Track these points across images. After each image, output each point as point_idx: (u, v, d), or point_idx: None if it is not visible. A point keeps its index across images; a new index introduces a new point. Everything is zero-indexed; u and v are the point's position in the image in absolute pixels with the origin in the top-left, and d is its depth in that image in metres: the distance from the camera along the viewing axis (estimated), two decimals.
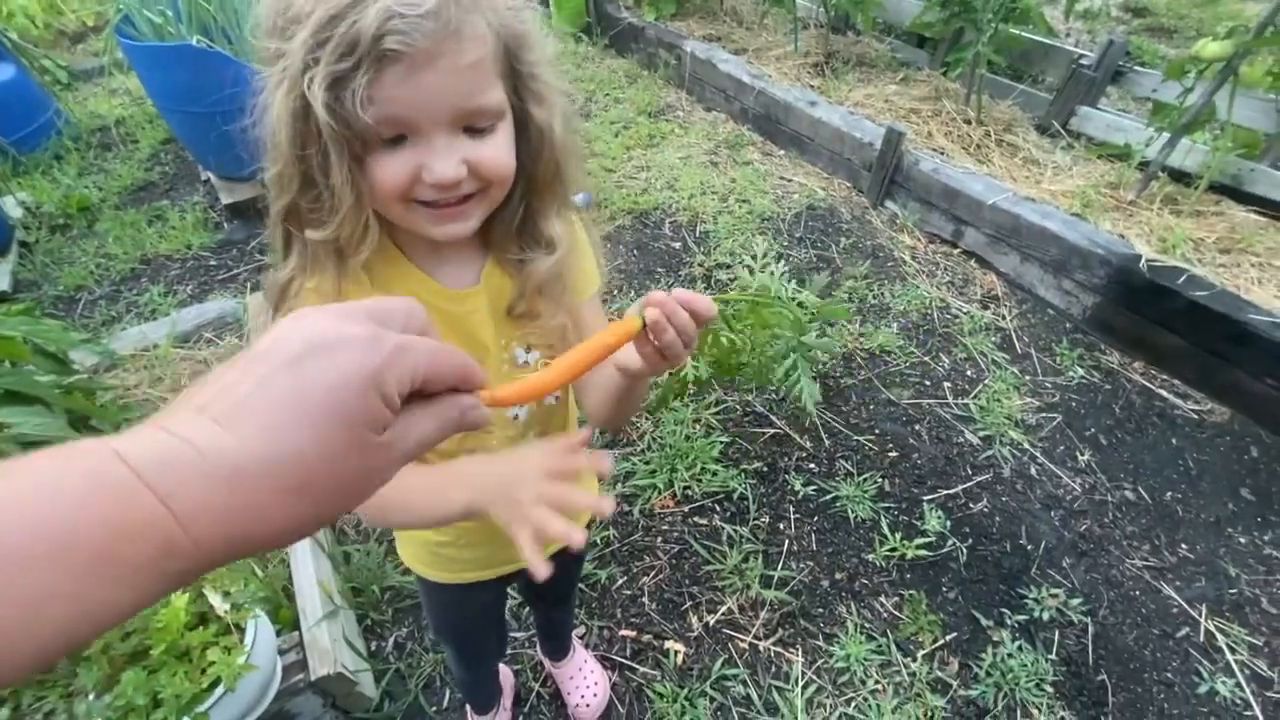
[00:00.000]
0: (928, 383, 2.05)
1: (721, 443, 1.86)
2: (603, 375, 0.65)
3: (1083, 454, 1.83)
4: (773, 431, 1.90)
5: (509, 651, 1.46)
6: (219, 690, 1.00)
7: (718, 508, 1.75)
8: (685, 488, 1.78)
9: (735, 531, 1.69)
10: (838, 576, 1.60)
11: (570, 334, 0.68)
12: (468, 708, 1.34)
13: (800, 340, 1.50)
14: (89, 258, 2.60)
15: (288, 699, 1.22)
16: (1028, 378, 2.04)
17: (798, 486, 1.77)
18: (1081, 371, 2.04)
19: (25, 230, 2.73)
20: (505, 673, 1.41)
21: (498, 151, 0.53)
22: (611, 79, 3.75)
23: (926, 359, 2.11)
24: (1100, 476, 1.78)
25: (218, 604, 1.09)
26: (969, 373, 2.07)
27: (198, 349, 1.92)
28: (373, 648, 1.49)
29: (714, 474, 1.79)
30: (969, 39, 2.54)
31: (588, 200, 2.79)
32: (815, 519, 1.72)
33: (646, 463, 1.82)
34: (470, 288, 0.65)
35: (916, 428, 1.92)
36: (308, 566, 1.41)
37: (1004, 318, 2.24)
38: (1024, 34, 2.52)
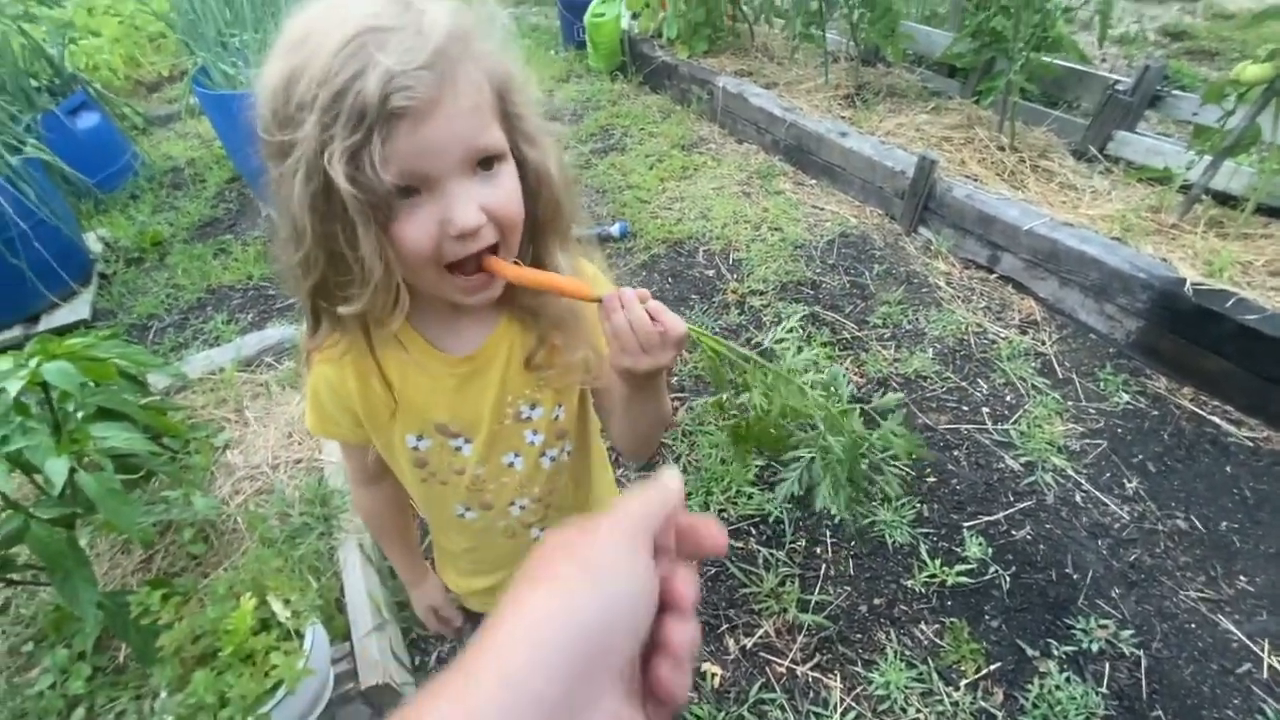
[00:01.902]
0: (965, 408, 2.03)
1: (757, 466, 1.88)
2: (619, 386, 0.67)
3: (1130, 481, 1.79)
4: (809, 455, 1.91)
5: None
6: (280, 692, 1.05)
7: (754, 531, 1.76)
8: (720, 510, 1.80)
9: (771, 555, 1.69)
10: (876, 602, 1.59)
11: (593, 362, 0.69)
12: None
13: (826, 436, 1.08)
14: (160, 288, 2.79)
15: (338, 707, 1.27)
16: (1070, 403, 2.01)
17: (834, 511, 1.77)
18: (1127, 397, 2.00)
19: (104, 263, 2.94)
20: None
21: (509, 194, 0.56)
22: (646, 114, 3.88)
23: (964, 384, 2.10)
24: (1150, 505, 1.73)
25: (280, 610, 1.15)
26: (1008, 398, 2.05)
27: (259, 373, 2.04)
28: (416, 662, 1.53)
29: (749, 497, 1.81)
30: (1000, 68, 2.57)
31: (624, 230, 2.88)
32: (852, 544, 1.71)
33: (684, 485, 1.85)
34: (477, 351, 0.67)
35: (955, 453, 1.90)
36: (358, 579, 1.48)
37: (1044, 343, 2.21)
38: (1056, 61, 2.53)
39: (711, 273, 2.65)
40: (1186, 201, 2.18)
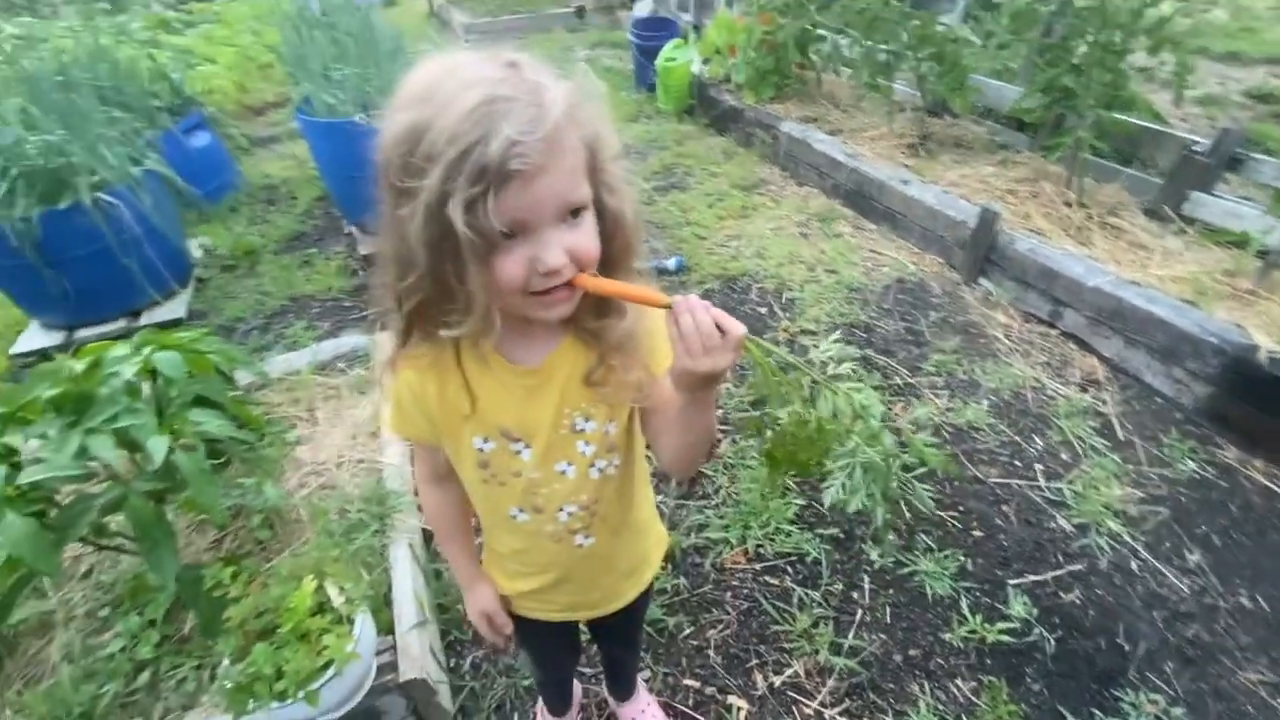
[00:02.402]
0: (1018, 463, 1.99)
1: (797, 505, 1.89)
2: (669, 406, 0.73)
3: (1192, 553, 1.71)
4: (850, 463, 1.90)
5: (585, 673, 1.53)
6: (329, 672, 1.13)
7: (790, 569, 1.76)
8: (758, 545, 1.80)
9: (806, 595, 1.69)
10: (911, 653, 1.56)
11: (645, 383, 0.76)
12: (541, 705, 1.42)
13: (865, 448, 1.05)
14: (249, 294, 3.03)
15: (378, 696, 1.34)
16: (1130, 467, 1.93)
17: (874, 556, 1.76)
18: (1193, 465, 1.92)
19: (202, 268, 3.22)
20: (578, 687, 1.48)
21: (589, 238, 0.64)
22: (709, 155, 4.00)
23: (1018, 439, 2.06)
24: (1212, 579, 1.65)
25: (335, 596, 1.24)
26: (1064, 456, 1.99)
27: (331, 376, 2.19)
28: (451, 664, 1.59)
29: (788, 535, 1.81)
30: (1070, 124, 2.56)
31: (680, 264, 2.96)
32: (890, 591, 1.69)
33: (720, 517, 1.87)
34: (543, 363, 0.76)
35: (1004, 508, 1.86)
36: (406, 577, 1.55)
37: (1105, 403, 2.15)
38: (1129, 119, 2.50)
39: (764, 310, 2.69)
40: (1265, 267, 2.11)
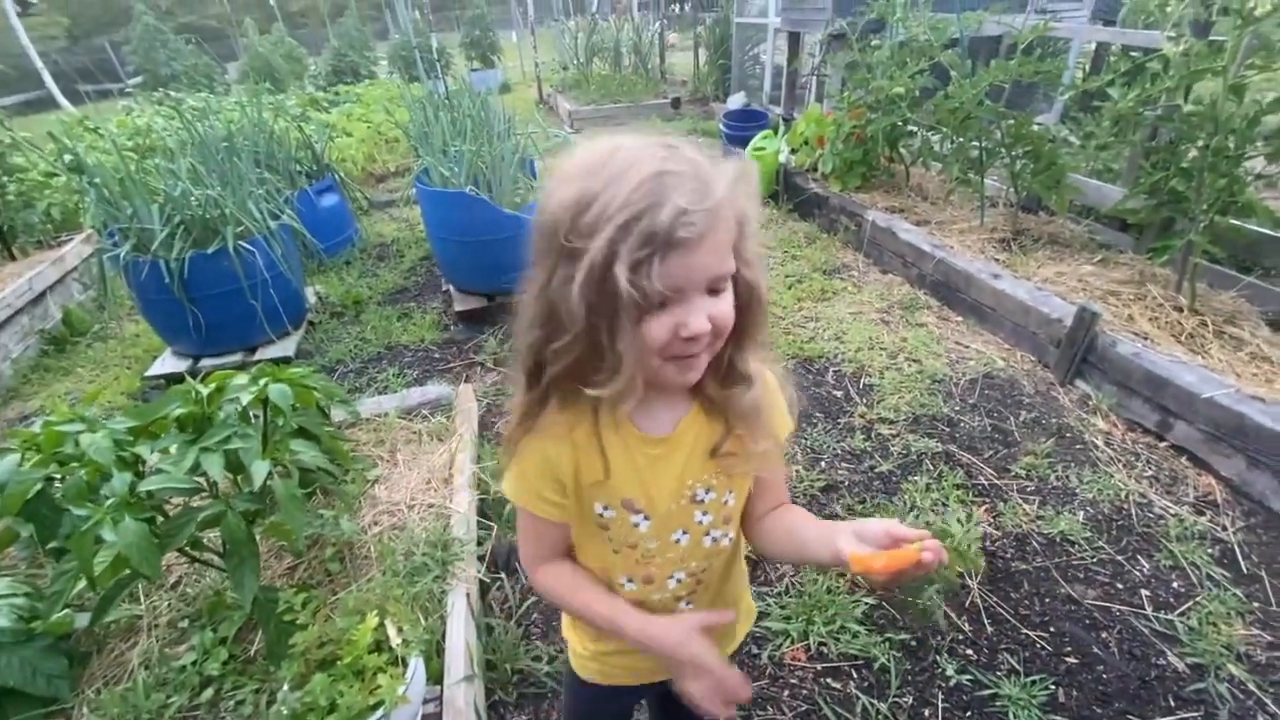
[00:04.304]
0: (1120, 585, 1.80)
1: (867, 604, 1.77)
2: (788, 536, 0.78)
3: None
4: (926, 604, 1.77)
5: None
6: (379, 712, 1.13)
7: (854, 674, 1.64)
8: (820, 644, 1.69)
9: (871, 705, 1.56)
10: None
11: (772, 454, 0.77)
12: None
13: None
14: (351, 339, 3.28)
15: None
16: (1256, 604, 1.71)
17: (950, 671, 1.61)
18: None
19: (314, 313, 3.52)
20: None
21: (728, 307, 0.67)
22: (792, 239, 4.07)
23: (1119, 558, 1.87)
24: None
25: (394, 636, 1.26)
26: (1175, 584, 1.79)
27: (414, 421, 2.31)
28: None
29: (854, 635, 1.70)
30: (1181, 227, 2.45)
31: None
32: (968, 713, 1.53)
33: (782, 607, 1.78)
34: (668, 434, 0.77)
35: (1103, 635, 1.67)
36: (460, 627, 1.56)
37: (1224, 528, 1.93)
38: (1245, 226, 2.37)
39: (840, 394, 2.64)
40: None
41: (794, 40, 5.76)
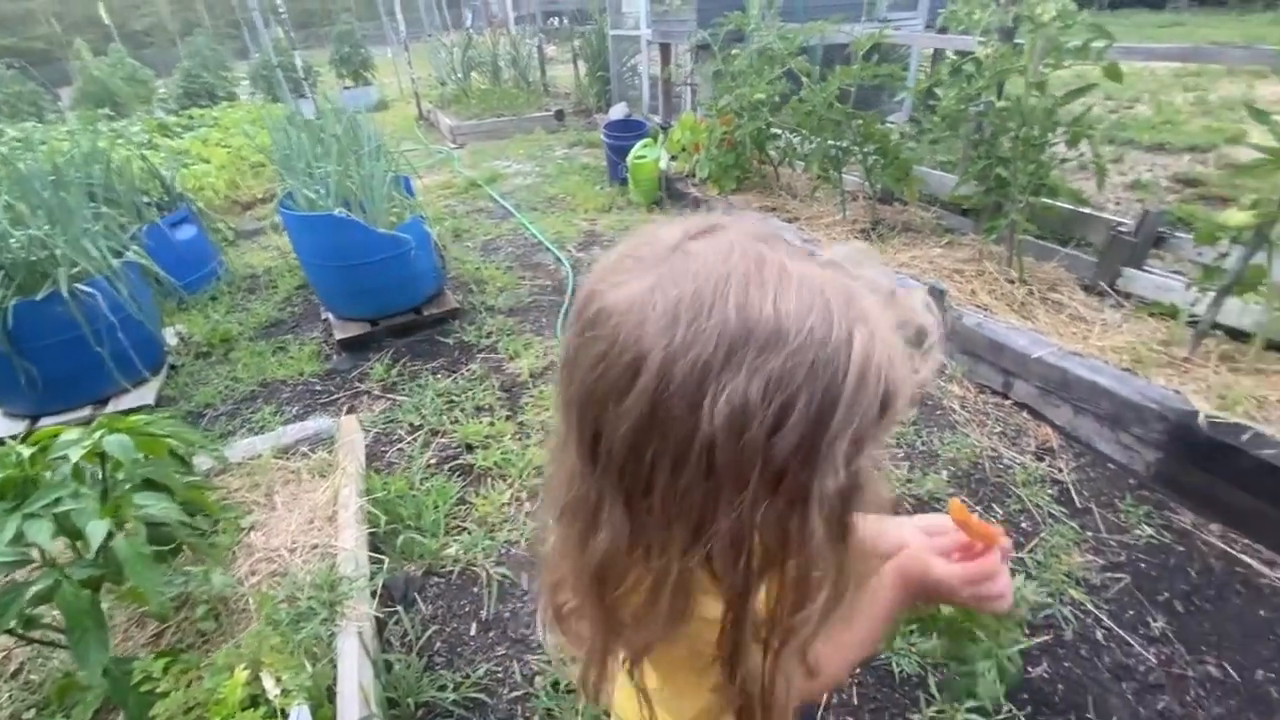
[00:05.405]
0: None
1: None
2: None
3: (1156, 620, 1.69)
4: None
5: None
6: None
7: None
8: None
9: None
10: None
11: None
12: None
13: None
14: (220, 380, 3.04)
15: None
16: (1089, 534, 1.95)
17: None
18: (1150, 531, 1.93)
19: (175, 355, 3.24)
20: None
21: None
22: None
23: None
24: (1178, 647, 1.63)
25: (270, 687, 1.19)
26: (1024, 525, 2.00)
27: (292, 460, 2.18)
28: None
29: None
30: (1006, 209, 2.75)
31: None
32: (858, 671, 1.64)
33: None
34: None
35: None
36: (353, 669, 1.49)
37: (1061, 470, 2.18)
38: (1056, 204, 2.70)
39: None
40: (1195, 337, 2.22)
41: (665, 51, 5.96)
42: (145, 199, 3.82)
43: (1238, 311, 2.22)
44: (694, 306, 0.39)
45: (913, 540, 0.69)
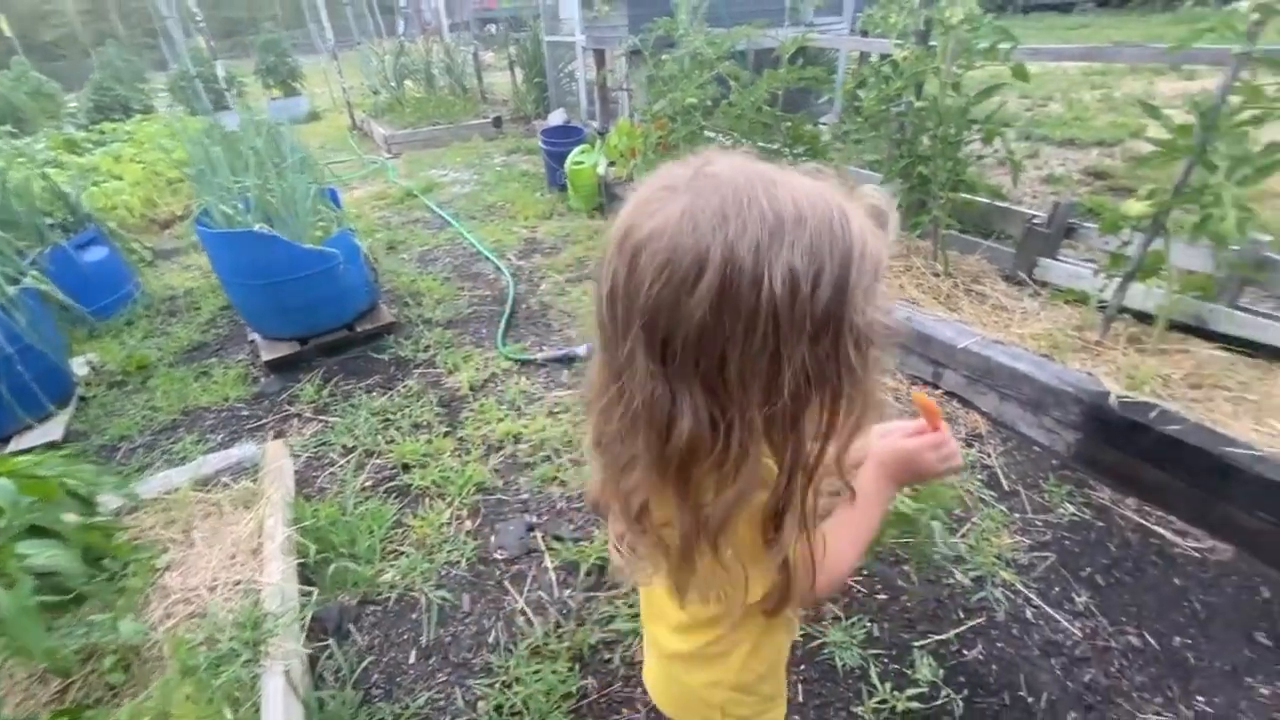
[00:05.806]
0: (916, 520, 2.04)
1: None
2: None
3: (1080, 595, 1.77)
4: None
5: None
6: None
7: None
8: None
9: None
10: None
11: None
12: None
13: None
14: (137, 410, 2.87)
15: None
16: (1017, 515, 2.02)
17: None
18: (1072, 509, 2.02)
19: (86, 386, 3.03)
20: None
21: None
22: None
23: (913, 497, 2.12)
24: (1101, 620, 1.70)
25: None
26: (957, 511, 2.06)
27: (213, 492, 2.06)
28: None
29: None
30: (929, 205, 2.84)
31: (590, 350, 3.02)
32: (801, 667, 1.66)
33: (630, 606, 1.81)
34: None
35: (905, 568, 1.89)
36: (278, 712, 1.41)
37: (989, 455, 2.26)
38: (976, 199, 2.81)
39: None
40: (1104, 321, 2.34)
41: (600, 57, 5.96)
42: (48, 220, 3.57)
43: (1142, 295, 2.35)
44: (735, 204, 0.50)
45: (878, 440, 0.82)
